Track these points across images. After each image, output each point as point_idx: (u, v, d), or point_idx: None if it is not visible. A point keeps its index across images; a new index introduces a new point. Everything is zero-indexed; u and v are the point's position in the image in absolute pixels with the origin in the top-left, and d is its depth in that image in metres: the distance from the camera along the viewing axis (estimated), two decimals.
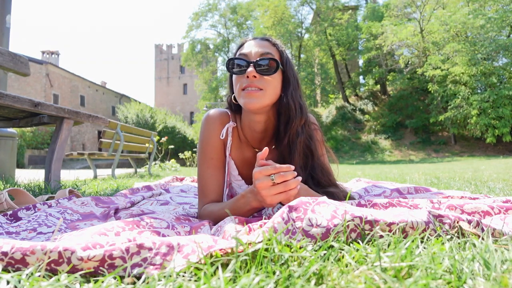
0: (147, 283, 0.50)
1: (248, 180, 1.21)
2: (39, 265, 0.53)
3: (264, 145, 1.19)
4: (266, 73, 1.04)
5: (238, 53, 1.10)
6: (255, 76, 1.02)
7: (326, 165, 1.18)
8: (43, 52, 28.86)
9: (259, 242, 0.56)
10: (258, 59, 1.04)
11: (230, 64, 1.08)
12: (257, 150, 1.20)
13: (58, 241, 0.70)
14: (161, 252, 0.57)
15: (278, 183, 0.84)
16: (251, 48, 1.07)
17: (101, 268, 0.54)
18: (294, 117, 1.08)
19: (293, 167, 0.86)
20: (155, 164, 7.85)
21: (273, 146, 1.19)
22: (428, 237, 0.68)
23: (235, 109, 1.21)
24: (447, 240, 0.67)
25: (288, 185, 0.85)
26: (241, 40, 1.16)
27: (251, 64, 1.03)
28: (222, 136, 1.14)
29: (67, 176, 4.15)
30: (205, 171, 1.14)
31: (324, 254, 0.56)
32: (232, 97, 1.16)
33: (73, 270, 0.53)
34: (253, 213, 0.99)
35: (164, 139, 8.97)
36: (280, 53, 1.11)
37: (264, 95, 1.03)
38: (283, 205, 0.97)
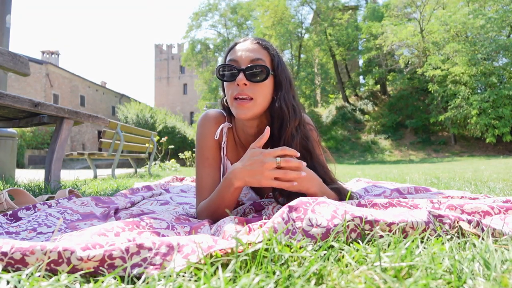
0: (147, 283, 0.50)
1: None
2: (39, 265, 0.53)
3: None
4: (257, 80, 1.02)
5: (228, 58, 1.07)
6: (245, 84, 1.01)
7: (326, 164, 1.19)
8: (43, 52, 28.84)
9: (259, 242, 0.56)
10: (248, 65, 1.02)
11: (220, 71, 1.06)
12: None
13: (57, 241, 0.70)
14: (161, 252, 0.57)
15: (281, 167, 0.89)
16: (241, 53, 1.04)
17: (101, 268, 0.54)
18: (288, 120, 1.07)
19: (297, 154, 0.91)
20: (155, 164, 7.85)
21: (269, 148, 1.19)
22: (428, 237, 0.68)
23: (229, 112, 1.20)
24: (447, 240, 0.67)
25: (288, 173, 0.88)
26: (232, 42, 1.13)
27: (241, 72, 1.01)
28: (216, 137, 1.14)
29: (67, 176, 4.15)
30: (201, 170, 1.15)
31: (324, 254, 0.56)
32: (225, 100, 1.15)
33: (73, 270, 0.53)
34: (237, 195, 0.99)
35: (164, 139, 8.97)
36: (272, 56, 1.08)
37: (254, 104, 1.03)
38: (283, 204, 0.97)
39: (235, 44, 1.10)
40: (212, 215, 1.01)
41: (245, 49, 1.05)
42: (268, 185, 0.90)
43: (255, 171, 0.89)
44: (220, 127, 1.15)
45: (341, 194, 1.06)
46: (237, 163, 0.94)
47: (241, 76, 1.01)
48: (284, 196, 1.05)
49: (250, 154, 0.92)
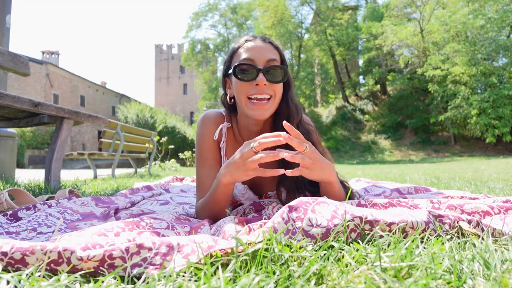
0: (147, 283, 0.50)
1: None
2: (39, 265, 0.53)
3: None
4: (276, 81, 1.04)
5: (242, 57, 1.05)
6: (265, 84, 1.02)
7: None
8: (43, 52, 28.86)
9: (259, 242, 0.56)
10: (268, 66, 1.02)
11: (236, 69, 1.04)
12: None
13: (57, 241, 0.70)
14: (161, 252, 0.57)
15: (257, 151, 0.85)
16: (256, 52, 1.04)
17: (101, 268, 0.54)
18: (294, 117, 1.09)
19: (282, 135, 0.85)
20: (155, 164, 7.84)
21: None
22: (428, 237, 0.68)
23: (231, 109, 1.20)
24: (447, 240, 0.67)
25: (264, 158, 0.84)
26: (241, 40, 1.11)
27: (261, 72, 1.01)
28: (215, 137, 1.15)
29: (67, 176, 4.15)
30: (201, 170, 1.16)
31: (324, 254, 0.56)
32: (227, 98, 1.16)
33: (73, 270, 0.53)
34: (229, 193, 0.97)
35: (164, 139, 8.97)
36: (281, 56, 1.10)
37: (273, 104, 1.05)
38: (284, 202, 0.98)
39: (245, 41, 1.09)
40: (209, 214, 1.01)
41: (259, 48, 1.06)
42: (254, 175, 0.86)
43: (238, 163, 0.87)
44: (219, 127, 1.16)
45: (346, 188, 1.09)
46: (227, 160, 0.94)
47: (261, 76, 1.01)
48: (289, 192, 1.05)
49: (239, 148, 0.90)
